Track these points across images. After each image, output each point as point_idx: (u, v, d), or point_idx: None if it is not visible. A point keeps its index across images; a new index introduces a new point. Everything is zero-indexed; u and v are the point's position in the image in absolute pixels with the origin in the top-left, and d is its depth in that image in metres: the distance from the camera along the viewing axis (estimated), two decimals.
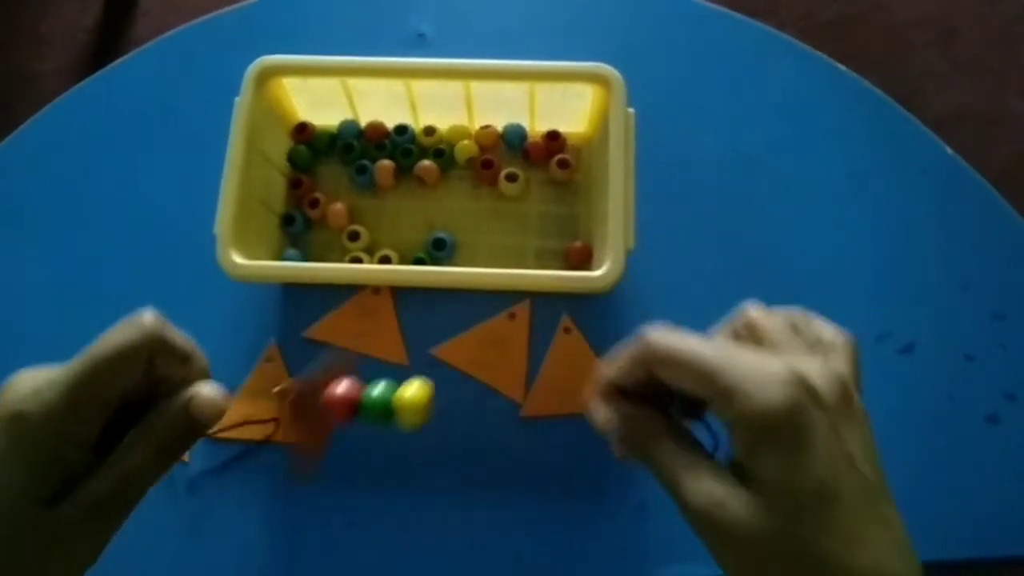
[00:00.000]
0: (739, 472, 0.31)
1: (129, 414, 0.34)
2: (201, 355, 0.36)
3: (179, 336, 0.34)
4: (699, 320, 0.60)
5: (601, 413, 0.35)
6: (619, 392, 0.35)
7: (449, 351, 0.60)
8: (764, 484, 0.29)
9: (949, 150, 0.65)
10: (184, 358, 0.34)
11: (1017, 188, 0.67)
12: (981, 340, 0.61)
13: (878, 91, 0.68)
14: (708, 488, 0.30)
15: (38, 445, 0.31)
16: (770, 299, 0.61)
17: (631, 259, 0.54)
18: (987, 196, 0.64)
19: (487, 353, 0.60)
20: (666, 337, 0.32)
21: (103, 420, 0.33)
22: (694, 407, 0.35)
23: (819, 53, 0.69)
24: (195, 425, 0.34)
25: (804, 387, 0.29)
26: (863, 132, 0.67)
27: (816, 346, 0.33)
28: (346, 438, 0.57)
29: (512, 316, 0.61)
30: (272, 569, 0.56)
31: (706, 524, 0.31)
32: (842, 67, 0.69)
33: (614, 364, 0.34)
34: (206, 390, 0.34)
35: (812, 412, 0.29)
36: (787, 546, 0.29)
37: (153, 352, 0.33)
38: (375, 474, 0.57)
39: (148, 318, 0.33)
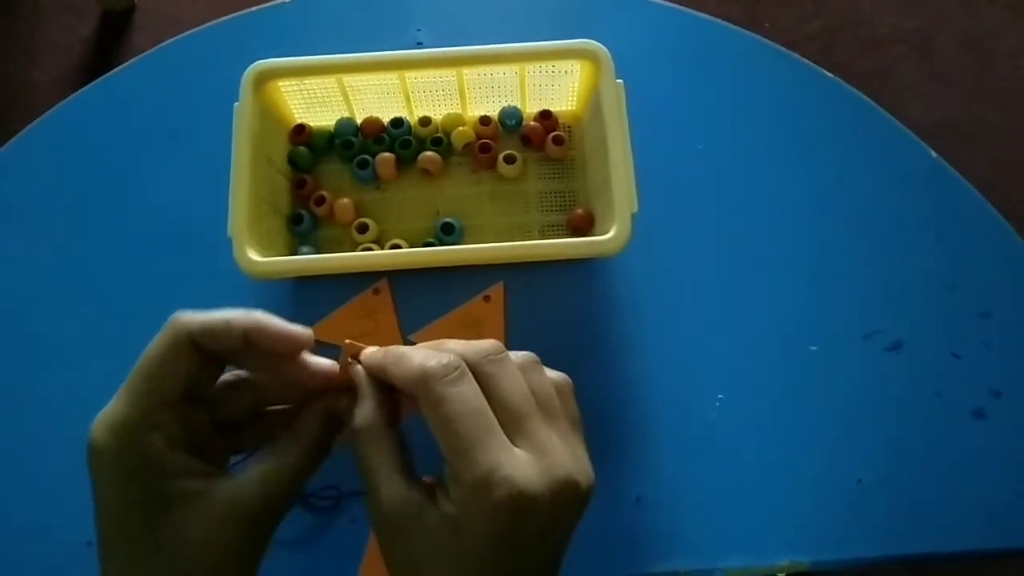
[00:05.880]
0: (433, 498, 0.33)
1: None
2: (250, 316, 0.34)
3: (216, 316, 0.34)
4: (684, 323, 0.62)
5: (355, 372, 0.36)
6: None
7: (427, 336, 0.61)
8: (440, 551, 0.32)
9: (934, 154, 0.67)
10: (233, 327, 0.34)
11: (998, 197, 0.68)
12: (967, 338, 0.62)
13: (864, 97, 0.70)
14: (381, 505, 0.33)
15: (115, 461, 0.33)
16: (761, 300, 0.63)
17: (618, 256, 0.56)
18: (971, 198, 0.66)
19: (465, 336, 0.60)
20: (442, 391, 0.32)
21: (177, 416, 0.34)
22: None
23: (806, 61, 0.71)
24: (338, 427, 0.36)
25: (517, 508, 0.31)
26: (851, 137, 0.68)
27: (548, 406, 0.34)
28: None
29: (487, 298, 0.62)
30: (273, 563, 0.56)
31: (374, 529, 0.34)
32: (829, 74, 0.71)
33: (396, 367, 0.34)
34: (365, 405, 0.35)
35: (518, 528, 0.31)
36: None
37: (199, 343, 0.34)
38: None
39: (179, 319, 0.34)
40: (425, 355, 0.33)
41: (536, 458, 0.32)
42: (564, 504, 0.32)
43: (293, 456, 0.35)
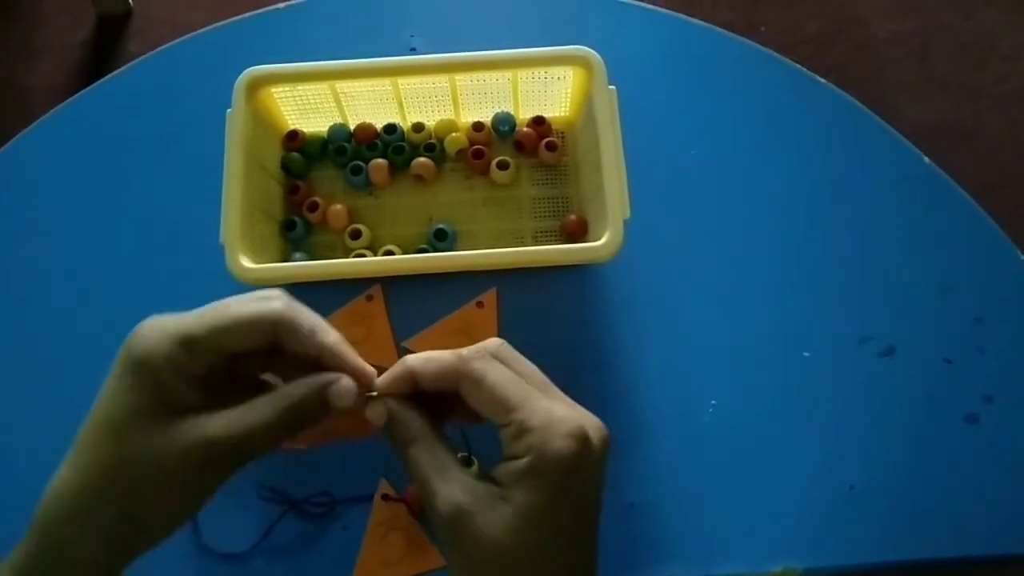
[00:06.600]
0: (495, 482, 0.34)
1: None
2: (340, 341, 0.37)
3: (307, 320, 0.36)
4: (677, 328, 0.62)
5: (373, 408, 0.37)
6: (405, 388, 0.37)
7: (421, 343, 0.61)
8: (528, 509, 0.33)
9: (927, 160, 0.67)
10: (310, 338, 0.36)
11: (992, 199, 0.69)
12: (960, 343, 0.62)
13: (858, 103, 0.70)
14: (455, 496, 0.34)
15: (146, 369, 0.34)
16: (754, 305, 0.63)
17: (611, 262, 0.56)
18: (964, 203, 0.66)
19: (457, 342, 0.60)
20: (482, 365, 0.35)
21: (212, 364, 0.35)
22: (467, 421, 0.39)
23: (799, 67, 0.71)
24: (324, 407, 0.36)
25: (585, 440, 0.34)
26: (844, 143, 0.68)
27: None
28: (334, 449, 0.58)
29: (480, 304, 0.62)
30: (267, 569, 0.56)
31: (449, 529, 0.34)
32: (822, 80, 0.71)
33: (427, 364, 0.36)
34: (346, 382, 0.36)
35: (586, 461, 0.34)
36: (518, 566, 0.33)
37: (279, 330, 0.35)
38: (362, 476, 0.58)
39: (279, 303, 0.36)
40: (451, 350, 0.37)
41: (572, 410, 0.35)
42: (604, 450, 0.35)
43: (266, 418, 0.35)
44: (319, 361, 0.36)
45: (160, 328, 0.35)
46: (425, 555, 0.55)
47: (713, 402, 0.60)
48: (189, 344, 0.34)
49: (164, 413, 0.34)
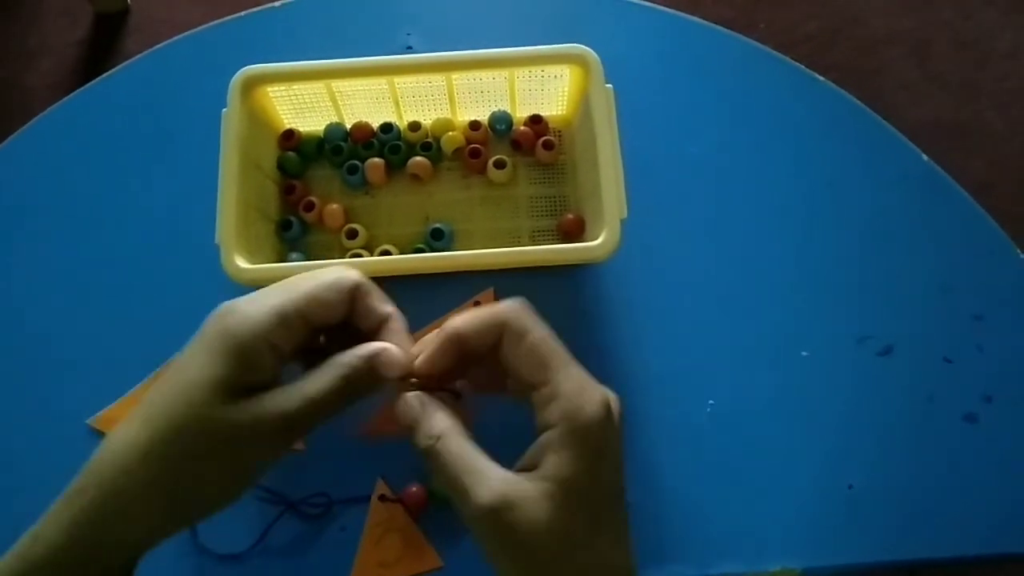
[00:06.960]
0: (526, 465, 0.34)
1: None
2: (398, 317, 0.38)
3: (379, 294, 0.38)
4: (675, 328, 0.62)
5: (402, 404, 0.36)
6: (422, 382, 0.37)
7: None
8: (569, 482, 0.33)
9: (925, 157, 0.67)
10: (382, 303, 0.37)
11: (991, 197, 0.68)
12: (959, 342, 0.62)
13: (856, 101, 0.69)
14: (496, 487, 0.33)
15: (242, 342, 0.34)
16: (752, 305, 0.63)
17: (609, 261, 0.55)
18: (963, 202, 0.66)
19: None
20: (528, 320, 0.35)
21: (299, 340, 0.36)
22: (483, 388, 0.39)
23: (799, 65, 0.71)
24: (376, 375, 0.36)
25: (610, 408, 0.34)
26: (843, 141, 0.68)
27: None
28: (331, 449, 0.58)
29: (477, 304, 0.62)
30: (264, 571, 0.56)
31: (493, 521, 0.33)
32: (821, 78, 0.70)
33: (471, 321, 0.36)
34: (394, 349, 0.36)
35: (611, 430, 0.34)
36: (569, 546, 0.33)
37: (355, 296, 0.37)
38: (359, 477, 0.58)
39: (355, 271, 0.38)
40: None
41: (593, 380, 0.35)
42: (621, 423, 0.35)
43: (322, 390, 0.35)
44: (378, 334, 0.37)
45: (256, 304, 0.35)
46: (422, 556, 0.55)
47: (711, 401, 0.60)
48: (285, 319, 0.35)
49: (242, 388, 0.34)
